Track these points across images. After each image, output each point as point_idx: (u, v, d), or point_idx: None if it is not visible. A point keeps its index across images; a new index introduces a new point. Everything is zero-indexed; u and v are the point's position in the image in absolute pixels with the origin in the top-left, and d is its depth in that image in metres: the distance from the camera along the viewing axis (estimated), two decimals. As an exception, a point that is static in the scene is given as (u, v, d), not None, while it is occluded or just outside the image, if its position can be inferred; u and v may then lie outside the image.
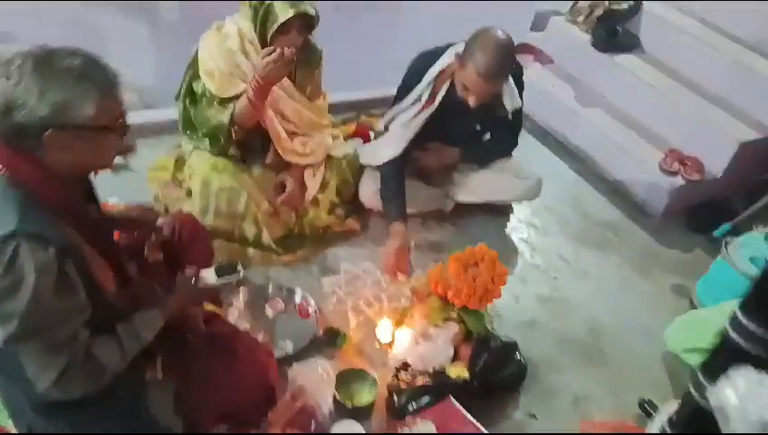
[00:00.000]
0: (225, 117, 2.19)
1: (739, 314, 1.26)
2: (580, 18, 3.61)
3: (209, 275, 1.56)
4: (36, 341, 1.21)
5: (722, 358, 1.29)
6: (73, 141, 1.23)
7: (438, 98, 2.37)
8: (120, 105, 1.30)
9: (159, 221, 1.72)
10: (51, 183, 1.25)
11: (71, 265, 1.23)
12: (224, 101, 2.19)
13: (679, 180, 2.90)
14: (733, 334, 1.27)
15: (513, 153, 2.67)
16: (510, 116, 2.45)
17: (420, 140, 2.48)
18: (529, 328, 2.30)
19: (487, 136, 2.62)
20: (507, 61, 2.22)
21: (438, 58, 2.38)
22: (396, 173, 2.44)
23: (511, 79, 2.40)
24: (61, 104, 1.19)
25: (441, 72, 2.36)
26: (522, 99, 2.50)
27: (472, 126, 2.53)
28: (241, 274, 1.60)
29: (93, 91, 1.22)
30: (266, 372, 1.64)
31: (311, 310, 2.15)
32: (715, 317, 1.89)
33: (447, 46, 2.38)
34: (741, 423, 1.06)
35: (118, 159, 2.71)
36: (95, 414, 1.37)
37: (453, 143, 2.57)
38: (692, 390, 1.34)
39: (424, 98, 2.39)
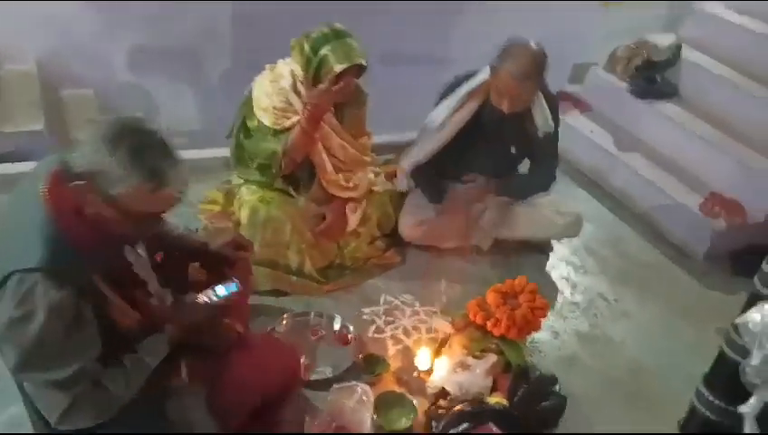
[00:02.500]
0: (278, 146, 2.31)
1: (703, 389, 1.27)
2: (619, 68, 3.69)
3: (209, 294, 1.59)
4: (42, 376, 1.28)
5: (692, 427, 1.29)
6: (103, 204, 1.27)
7: (469, 109, 2.46)
8: (160, 205, 1.35)
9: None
10: (83, 228, 1.30)
11: (86, 306, 1.29)
12: (277, 134, 2.31)
13: (721, 223, 2.88)
14: (699, 407, 1.27)
15: (551, 188, 2.69)
16: (540, 133, 2.48)
17: (453, 157, 2.57)
18: (569, 364, 2.29)
19: (523, 163, 2.67)
20: (538, 63, 2.31)
21: (472, 77, 2.48)
22: (426, 170, 2.59)
23: (542, 98, 2.46)
24: (106, 174, 1.24)
25: (474, 89, 2.46)
26: (557, 134, 2.56)
27: (506, 147, 2.58)
28: (237, 288, 1.62)
29: (141, 184, 1.26)
30: (288, 358, 1.71)
31: (350, 337, 2.19)
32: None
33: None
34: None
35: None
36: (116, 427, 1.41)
37: (487, 164, 2.62)
38: (696, 403, 1.32)
39: (453, 107, 2.48)
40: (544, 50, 2.32)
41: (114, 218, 1.30)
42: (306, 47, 2.23)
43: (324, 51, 2.19)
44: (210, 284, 1.66)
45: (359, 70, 2.30)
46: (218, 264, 1.75)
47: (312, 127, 2.26)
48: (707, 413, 1.27)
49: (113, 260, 1.41)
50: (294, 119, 2.29)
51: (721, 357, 1.25)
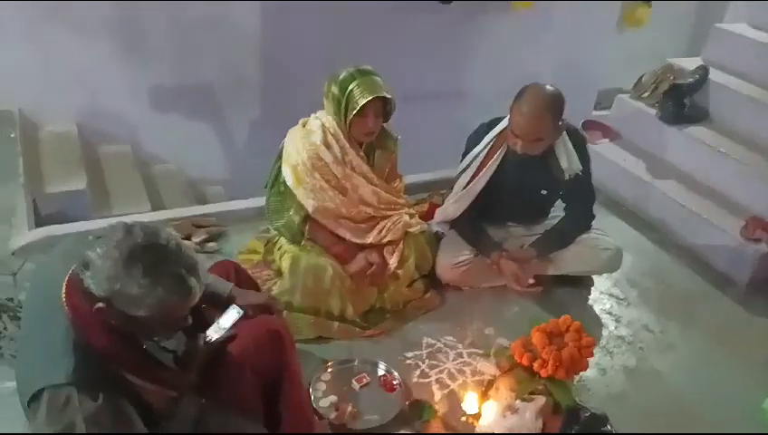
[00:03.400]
0: (297, 217, 2.38)
1: None
2: (646, 94, 3.69)
3: (215, 328, 1.58)
4: None
5: None
6: (125, 322, 1.29)
7: (497, 156, 2.50)
8: (185, 310, 1.35)
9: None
10: (103, 335, 1.30)
11: (125, 402, 1.29)
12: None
13: (764, 248, 2.83)
14: None
15: (590, 226, 2.67)
16: (567, 176, 2.48)
17: (487, 209, 2.60)
18: (618, 401, 2.24)
19: (555, 204, 2.68)
20: (552, 101, 2.32)
21: (497, 124, 2.52)
22: (465, 222, 2.62)
23: (567, 138, 2.47)
24: (124, 297, 1.25)
25: (499, 135, 2.50)
26: (589, 169, 2.56)
27: (536, 190, 2.59)
28: (239, 314, 1.61)
29: (160, 301, 1.27)
30: (269, 323, 1.75)
31: (395, 383, 2.19)
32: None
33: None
34: None
35: (210, 245, 2.91)
36: None
37: (520, 211, 2.66)
38: None
39: (480, 158, 2.53)
40: (559, 92, 2.34)
41: (139, 329, 1.32)
42: (334, 88, 2.29)
43: (351, 87, 2.25)
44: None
45: (384, 108, 2.35)
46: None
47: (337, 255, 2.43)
48: None
49: (140, 347, 1.39)
50: (319, 179, 2.36)
51: None
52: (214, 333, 1.57)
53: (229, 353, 1.62)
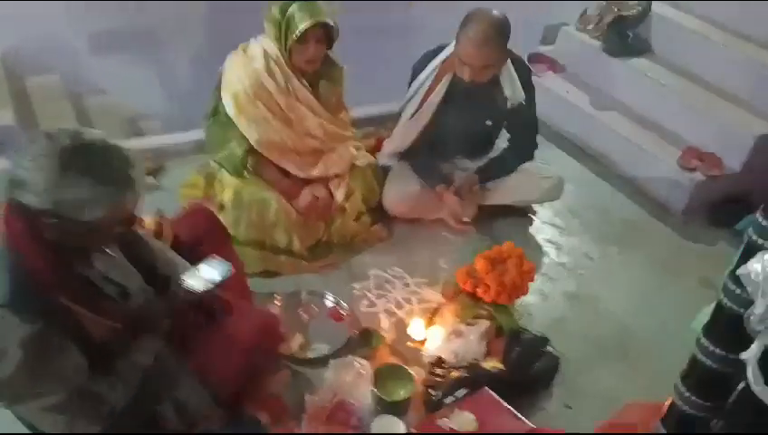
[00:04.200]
0: (239, 150, 2.31)
1: (704, 340, 1.33)
2: (590, 26, 3.68)
3: (201, 278, 1.52)
4: (37, 404, 1.28)
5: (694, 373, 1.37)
6: (72, 230, 1.26)
7: (442, 85, 2.48)
8: (131, 207, 1.32)
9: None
10: (43, 255, 1.27)
11: (58, 332, 1.26)
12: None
13: (699, 176, 2.93)
14: (701, 357, 1.33)
15: (533, 156, 2.71)
16: (509, 105, 2.49)
17: (433, 140, 2.60)
18: (558, 325, 2.32)
19: (500, 136, 2.68)
20: (498, 29, 2.31)
21: (441, 51, 2.50)
22: (416, 153, 2.61)
23: (512, 67, 2.47)
24: (69, 203, 1.22)
25: (443, 63, 2.48)
26: (533, 100, 2.57)
27: (481, 120, 2.59)
28: (229, 271, 1.56)
29: (106, 199, 1.24)
30: (267, 320, 1.77)
31: (343, 313, 2.21)
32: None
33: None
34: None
35: (149, 180, 2.82)
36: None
37: (465, 142, 2.66)
38: (698, 354, 1.37)
39: (426, 86, 2.50)
40: (506, 17, 2.33)
41: (80, 239, 1.29)
42: (275, 10, 2.20)
43: (291, 10, 2.16)
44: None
45: (327, 35, 2.27)
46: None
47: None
48: (709, 362, 1.32)
49: (80, 274, 1.36)
50: (262, 108, 2.28)
51: (719, 308, 1.30)
52: (191, 281, 1.50)
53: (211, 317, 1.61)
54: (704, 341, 1.34)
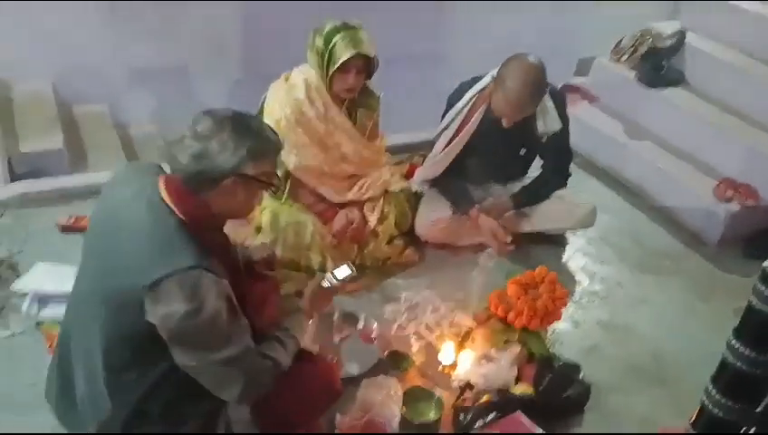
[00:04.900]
0: (278, 171, 2.36)
1: (734, 341, 1.33)
2: (624, 57, 3.71)
3: (328, 277, 1.85)
4: (218, 356, 1.38)
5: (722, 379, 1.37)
6: (240, 190, 1.45)
7: (476, 117, 2.51)
8: (276, 168, 1.57)
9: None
10: (210, 224, 1.48)
11: (232, 293, 1.42)
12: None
13: (734, 207, 2.90)
14: (731, 359, 1.33)
15: (566, 183, 2.72)
16: (544, 139, 2.52)
17: (466, 167, 2.63)
18: (591, 353, 2.31)
19: (534, 162, 2.71)
20: (536, 88, 2.32)
21: (477, 82, 2.53)
22: (446, 179, 2.65)
23: (550, 102, 2.48)
24: (246, 159, 1.42)
25: (479, 94, 2.51)
26: (567, 129, 2.59)
27: (515, 150, 2.62)
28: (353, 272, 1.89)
29: (270, 153, 1.49)
30: (329, 372, 1.79)
31: (374, 335, 2.23)
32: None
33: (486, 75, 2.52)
34: None
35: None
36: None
37: (499, 170, 2.69)
38: (728, 355, 1.36)
39: (460, 118, 2.54)
40: (542, 66, 2.34)
41: (245, 203, 1.51)
42: (318, 40, 2.28)
43: (335, 40, 2.24)
44: None
45: (366, 66, 2.34)
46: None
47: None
48: (739, 364, 1.32)
49: (227, 252, 1.57)
50: (301, 135, 2.36)
51: (749, 309, 1.31)
52: (325, 281, 1.84)
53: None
54: (734, 342, 1.33)
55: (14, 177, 2.94)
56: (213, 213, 1.46)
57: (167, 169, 1.49)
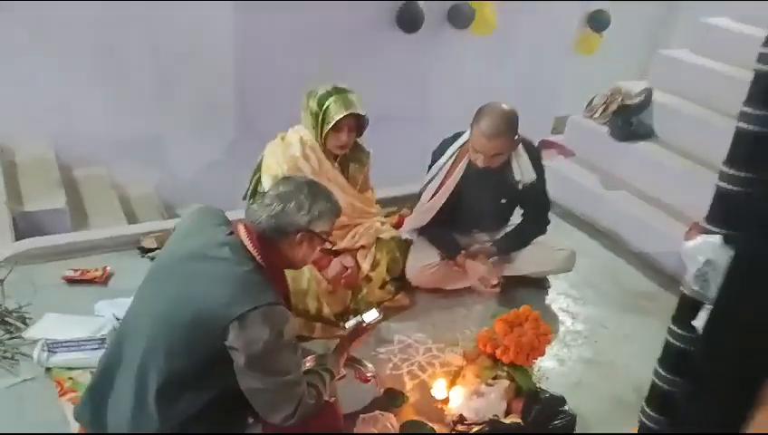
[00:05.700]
0: None
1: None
2: (597, 115, 3.96)
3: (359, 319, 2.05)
4: (284, 379, 1.60)
5: None
6: (306, 244, 1.73)
7: (459, 169, 2.70)
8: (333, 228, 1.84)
9: None
10: (280, 269, 1.77)
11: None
12: None
13: (706, 249, 3.06)
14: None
15: (545, 231, 2.88)
16: (521, 186, 2.70)
17: (451, 217, 2.79)
18: (576, 388, 2.41)
19: (514, 213, 2.89)
20: (508, 121, 2.53)
21: (459, 138, 2.73)
22: (432, 228, 2.81)
23: (524, 154, 2.68)
24: (316, 217, 1.71)
25: (460, 148, 2.71)
26: (544, 179, 2.78)
27: (496, 199, 2.80)
28: (381, 315, 2.06)
29: (333, 215, 1.78)
30: (333, 410, 1.90)
31: (369, 375, 2.32)
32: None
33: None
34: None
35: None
36: None
37: (482, 219, 2.86)
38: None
39: (444, 170, 2.73)
40: (514, 110, 2.56)
41: (308, 252, 1.77)
42: (312, 103, 2.48)
43: (328, 102, 2.44)
44: None
45: (358, 124, 2.54)
46: None
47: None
48: (663, 386, 1.47)
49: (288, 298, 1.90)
50: None
51: (667, 345, 1.47)
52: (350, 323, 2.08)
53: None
54: (659, 369, 1.49)
55: (19, 235, 3.06)
56: (283, 261, 1.73)
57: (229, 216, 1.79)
